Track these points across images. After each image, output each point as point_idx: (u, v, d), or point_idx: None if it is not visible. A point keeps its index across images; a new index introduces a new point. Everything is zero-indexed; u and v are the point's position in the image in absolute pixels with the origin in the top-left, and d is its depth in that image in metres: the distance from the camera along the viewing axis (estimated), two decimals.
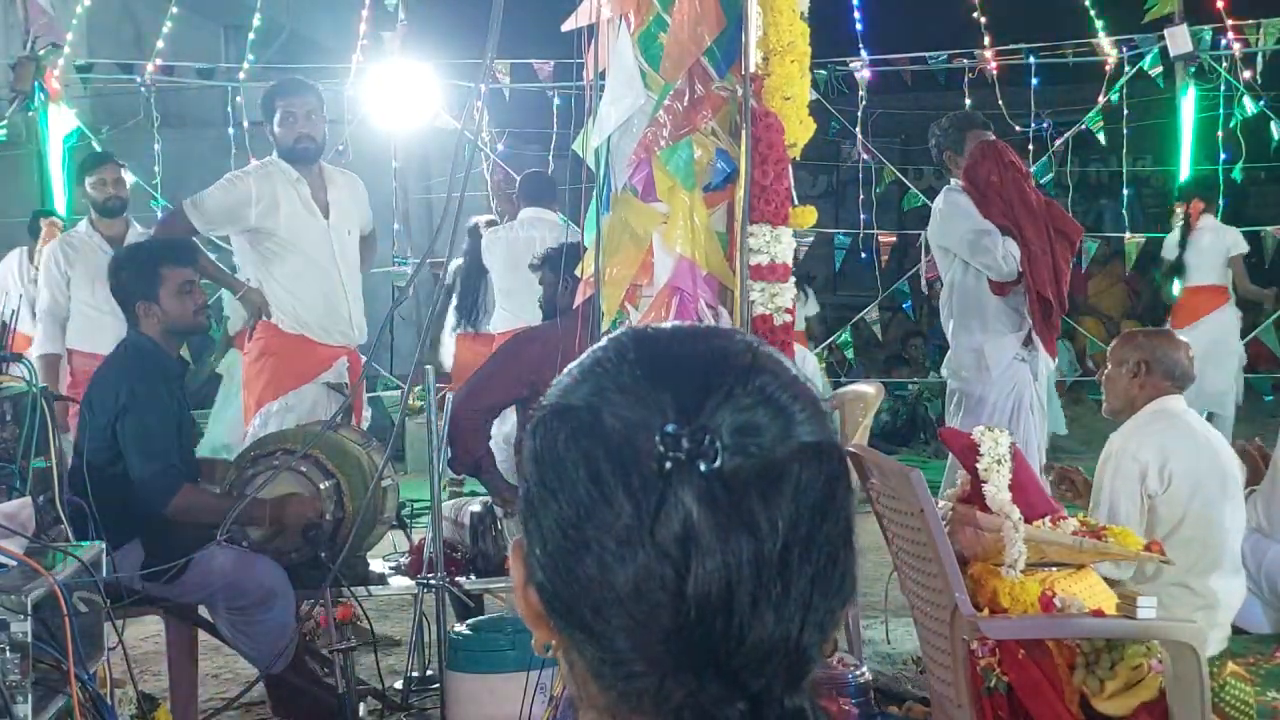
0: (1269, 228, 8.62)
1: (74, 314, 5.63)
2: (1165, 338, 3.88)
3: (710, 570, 0.75)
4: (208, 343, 8.63)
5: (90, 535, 3.41)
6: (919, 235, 9.61)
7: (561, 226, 5.94)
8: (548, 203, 6.19)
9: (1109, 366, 3.81)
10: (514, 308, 6.08)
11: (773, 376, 0.81)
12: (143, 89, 8.43)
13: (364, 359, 5.05)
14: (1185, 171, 8.10)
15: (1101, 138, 8.92)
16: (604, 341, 0.85)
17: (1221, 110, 8.27)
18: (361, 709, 3.90)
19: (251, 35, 8.94)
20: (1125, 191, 9.48)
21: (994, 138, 5.33)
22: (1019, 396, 5.15)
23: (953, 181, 5.38)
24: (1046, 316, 5.10)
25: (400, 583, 4.31)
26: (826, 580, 0.79)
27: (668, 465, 0.76)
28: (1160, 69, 8.12)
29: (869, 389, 4.65)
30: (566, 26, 2.95)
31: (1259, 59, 7.98)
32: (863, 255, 10.01)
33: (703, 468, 0.76)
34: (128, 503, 3.80)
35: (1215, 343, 6.99)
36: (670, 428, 0.77)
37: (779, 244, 2.79)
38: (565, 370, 0.85)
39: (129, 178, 6.11)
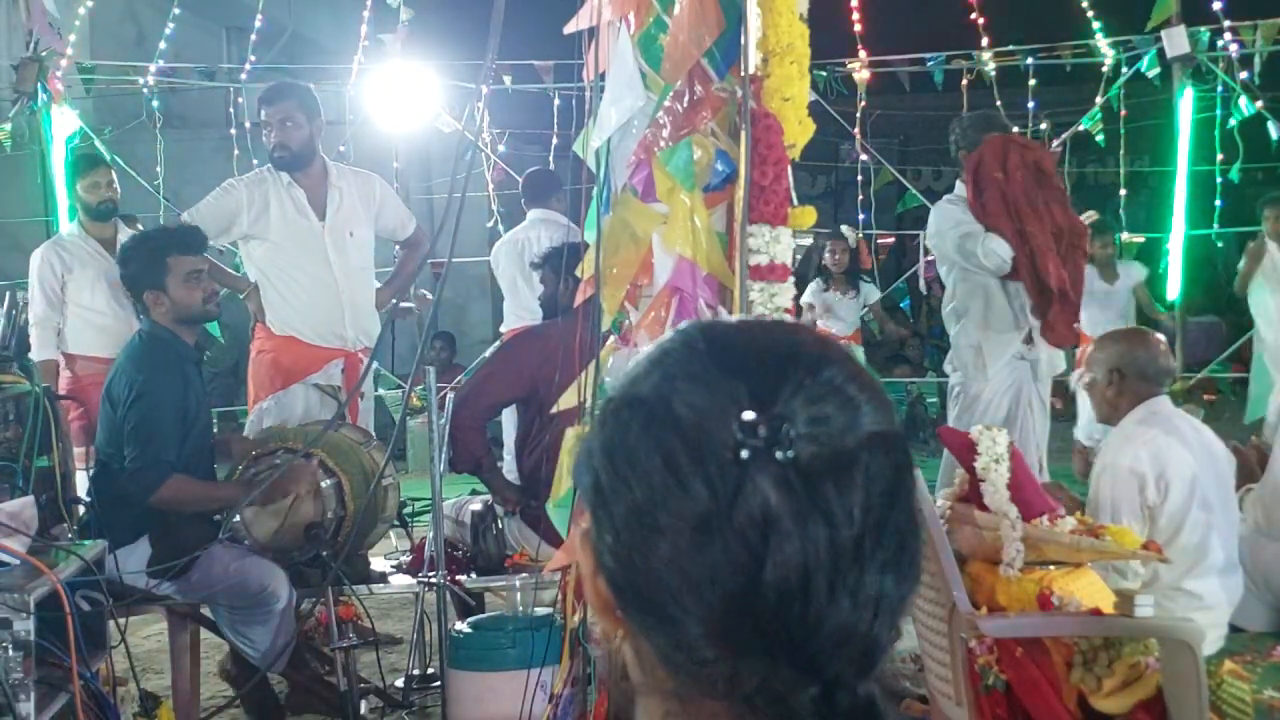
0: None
1: (73, 318, 5.60)
2: (1134, 338, 3.83)
3: (789, 556, 0.77)
4: (209, 340, 8.65)
5: (95, 534, 3.43)
6: (917, 235, 9.65)
7: (567, 227, 5.96)
8: (553, 202, 6.20)
9: (1087, 376, 3.78)
10: (518, 308, 6.11)
11: (840, 368, 0.82)
12: (145, 90, 8.44)
13: (373, 363, 5.04)
14: (1183, 172, 8.11)
15: (1100, 139, 8.94)
16: (669, 334, 0.87)
17: (1219, 111, 8.28)
18: (363, 707, 3.92)
19: (253, 36, 8.95)
20: (1123, 192, 9.50)
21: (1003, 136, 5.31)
22: (1016, 394, 5.17)
23: (956, 187, 5.39)
24: (1049, 305, 5.09)
25: (401, 581, 4.33)
26: (897, 566, 0.80)
27: (745, 453, 0.77)
28: (1158, 70, 8.13)
29: None
30: (569, 29, 2.96)
31: (1256, 60, 7.99)
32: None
33: (779, 456, 0.77)
34: (129, 499, 3.82)
35: None
36: (748, 416, 0.78)
37: (778, 244, 2.81)
38: (633, 363, 0.86)
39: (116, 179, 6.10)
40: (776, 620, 0.77)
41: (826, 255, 8.98)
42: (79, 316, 5.57)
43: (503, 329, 6.29)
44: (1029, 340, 5.20)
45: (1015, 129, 8.22)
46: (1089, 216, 7.65)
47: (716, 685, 0.80)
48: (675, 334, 0.86)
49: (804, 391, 0.80)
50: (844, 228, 9.17)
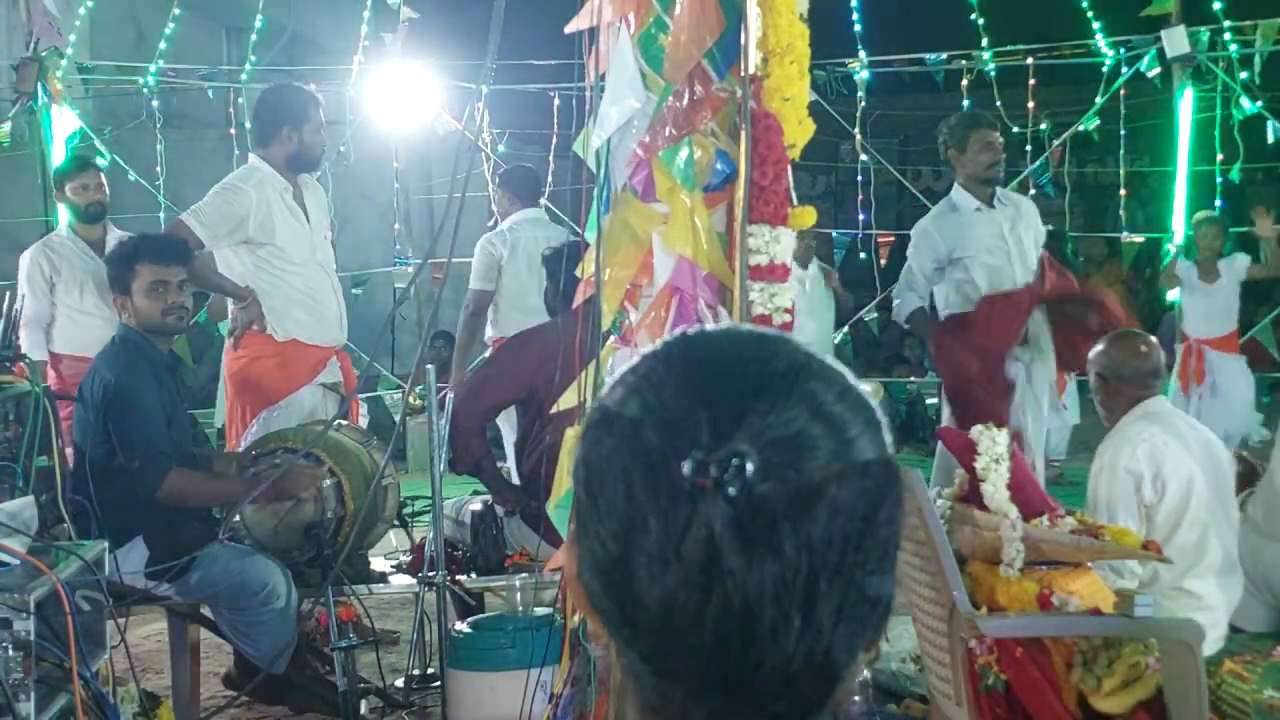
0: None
1: (60, 319, 5.64)
2: (1113, 342, 3.84)
3: (730, 595, 0.75)
4: (208, 340, 8.68)
5: (93, 534, 3.43)
6: None
7: (552, 224, 6.00)
8: (538, 200, 6.18)
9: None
10: (524, 312, 6.03)
11: (819, 393, 0.80)
12: (145, 90, 8.45)
13: (366, 358, 5.06)
14: (1183, 172, 8.12)
15: (1094, 135, 8.95)
16: (659, 347, 0.85)
17: (1219, 111, 8.28)
18: (363, 707, 3.91)
19: (253, 37, 8.95)
20: (1123, 192, 9.51)
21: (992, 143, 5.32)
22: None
23: (954, 190, 5.40)
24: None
25: (401, 581, 4.33)
26: (857, 605, 0.78)
27: (696, 488, 0.76)
28: (1158, 70, 8.13)
29: (867, 388, 4.67)
30: (569, 29, 2.96)
31: (1256, 60, 8.00)
32: (861, 255, 10.05)
33: (731, 492, 0.75)
34: (129, 500, 3.82)
35: None
36: (699, 454, 0.76)
37: (778, 244, 2.81)
38: (620, 375, 0.84)
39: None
40: (719, 656, 0.76)
41: None
42: (67, 317, 5.61)
43: (494, 335, 6.15)
44: (1023, 342, 5.21)
45: (1015, 128, 8.24)
46: (1203, 215, 7.64)
47: (671, 707, 0.79)
48: (662, 348, 0.84)
49: (767, 423, 0.77)
50: None
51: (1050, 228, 7.79)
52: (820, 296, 9.04)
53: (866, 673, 3.53)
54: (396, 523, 4.61)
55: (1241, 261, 7.57)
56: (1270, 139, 8.29)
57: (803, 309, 9.56)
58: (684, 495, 0.76)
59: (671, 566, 0.76)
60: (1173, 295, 7.71)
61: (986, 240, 5.24)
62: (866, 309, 9.78)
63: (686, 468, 0.76)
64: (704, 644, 0.76)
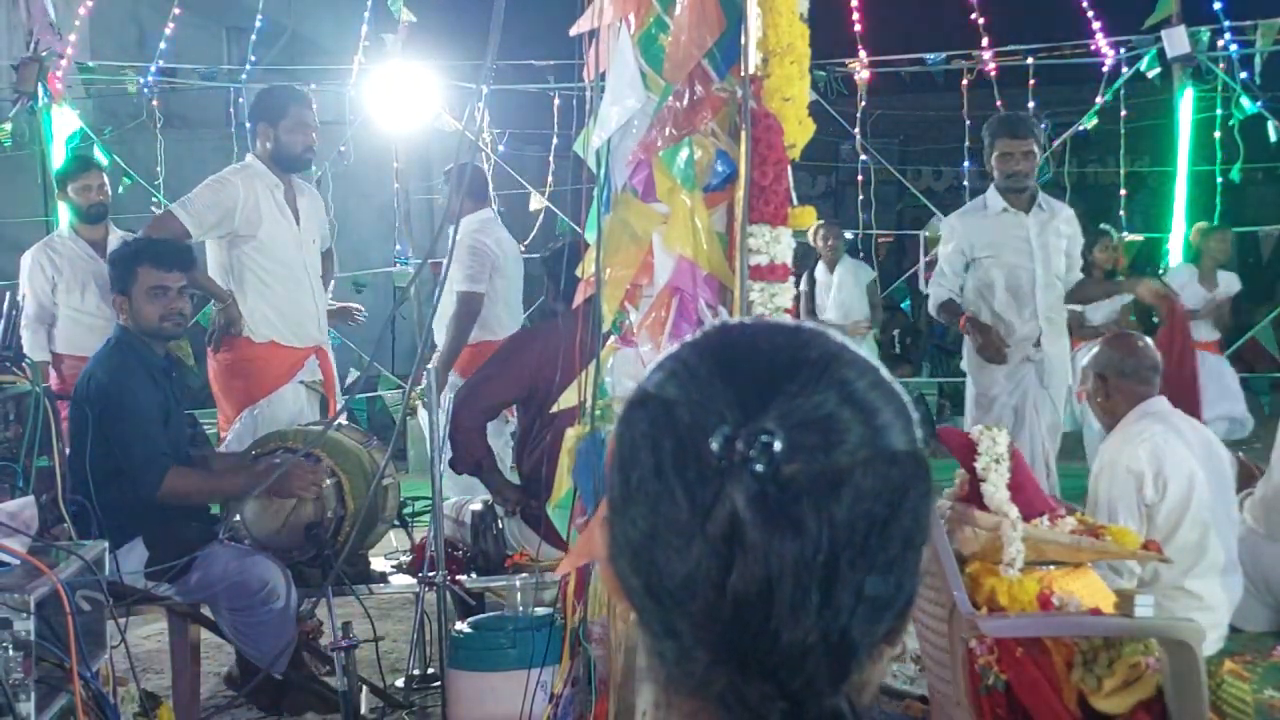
0: (1266, 228, 8.65)
1: (62, 319, 5.65)
2: (1112, 342, 3.85)
3: (751, 569, 0.77)
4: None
5: (93, 534, 3.43)
6: (917, 235, 9.66)
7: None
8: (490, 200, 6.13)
9: (1085, 389, 3.82)
10: (513, 315, 6.00)
11: (851, 381, 0.81)
12: (145, 90, 8.45)
13: (367, 358, 5.05)
14: (1183, 172, 8.12)
15: (1099, 138, 8.94)
16: (697, 335, 0.87)
17: (1219, 111, 8.28)
18: (363, 706, 3.92)
19: (253, 37, 8.96)
20: (1123, 192, 9.51)
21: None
22: (1024, 396, 5.18)
23: (988, 191, 5.38)
24: None
25: (402, 581, 4.33)
26: (877, 589, 0.80)
27: (723, 464, 0.77)
28: (1158, 70, 8.14)
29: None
30: (575, 31, 2.96)
31: (1256, 60, 8.00)
32: (861, 255, 10.06)
33: (759, 468, 0.77)
34: (128, 500, 3.82)
35: None
36: (727, 429, 0.78)
37: (778, 244, 2.81)
38: (659, 360, 0.86)
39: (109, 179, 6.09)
40: (737, 630, 0.78)
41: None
42: (69, 318, 5.62)
43: (482, 338, 5.97)
44: (1038, 344, 5.22)
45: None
46: (1206, 225, 7.62)
47: (691, 682, 0.81)
48: (700, 334, 0.87)
49: (795, 405, 0.79)
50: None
51: (1106, 226, 7.80)
52: (853, 294, 9.04)
53: None
54: (396, 523, 4.61)
55: (1235, 284, 7.56)
56: (1270, 139, 8.30)
57: (837, 315, 9.46)
58: (712, 472, 0.78)
59: (696, 540, 0.78)
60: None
61: (1010, 242, 5.23)
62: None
63: (715, 444, 0.78)
64: (724, 615, 0.78)
